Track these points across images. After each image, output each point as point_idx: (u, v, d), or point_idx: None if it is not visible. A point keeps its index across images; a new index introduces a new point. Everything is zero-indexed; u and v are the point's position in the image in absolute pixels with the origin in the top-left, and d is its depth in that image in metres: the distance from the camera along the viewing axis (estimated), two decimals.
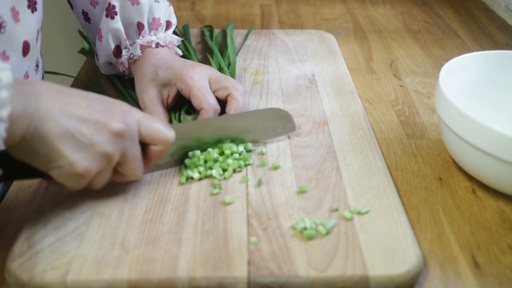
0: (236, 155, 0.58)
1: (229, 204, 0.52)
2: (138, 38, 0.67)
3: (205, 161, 0.57)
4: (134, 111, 0.48)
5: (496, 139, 0.50)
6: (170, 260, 0.45)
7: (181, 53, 0.73)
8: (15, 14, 0.53)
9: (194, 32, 0.91)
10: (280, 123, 0.62)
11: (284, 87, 0.74)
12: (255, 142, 0.61)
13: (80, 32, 0.85)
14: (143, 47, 0.67)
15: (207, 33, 0.87)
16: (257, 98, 0.71)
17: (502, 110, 0.65)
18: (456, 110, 0.53)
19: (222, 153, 0.58)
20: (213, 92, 0.62)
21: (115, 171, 0.49)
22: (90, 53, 0.81)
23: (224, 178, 0.55)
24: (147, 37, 0.67)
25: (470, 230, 0.52)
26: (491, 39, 0.95)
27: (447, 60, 0.63)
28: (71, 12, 0.73)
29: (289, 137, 0.62)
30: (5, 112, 0.38)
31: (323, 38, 0.91)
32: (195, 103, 0.61)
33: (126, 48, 0.68)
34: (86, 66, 0.82)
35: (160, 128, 0.49)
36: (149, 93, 0.64)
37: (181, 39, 0.71)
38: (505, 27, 1.00)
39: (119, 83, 0.73)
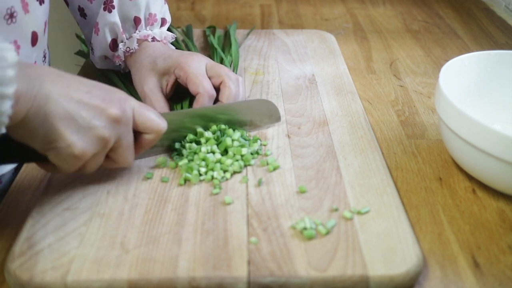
0: (238, 156, 0.58)
1: (229, 204, 0.52)
2: (135, 32, 0.68)
3: (203, 160, 0.57)
4: (131, 99, 0.50)
5: (496, 139, 0.50)
6: (170, 260, 0.45)
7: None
8: (25, 5, 0.55)
9: (195, 33, 0.91)
10: (266, 114, 0.64)
11: (284, 87, 0.74)
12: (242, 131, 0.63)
13: (78, 36, 0.85)
14: (139, 41, 0.68)
15: (208, 33, 0.87)
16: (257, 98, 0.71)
17: (502, 110, 0.65)
18: (456, 110, 0.53)
19: (225, 152, 0.58)
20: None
21: (107, 157, 0.50)
22: (88, 55, 0.81)
23: (226, 180, 0.55)
24: (143, 32, 0.69)
25: (470, 230, 0.52)
26: (491, 39, 0.95)
27: (447, 60, 0.63)
28: (68, 14, 0.73)
29: (289, 137, 0.62)
30: (11, 90, 0.39)
31: (323, 38, 0.91)
32: (192, 88, 0.62)
33: (122, 42, 0.68)
34: (85, 68, 0.82)
35: (153, 117, 0.51)
36: (149, 83, 0.65)
37: (175, 35, 0.72)
38: (505, 27, 1.00)
39: (116, 78, 0.73)
